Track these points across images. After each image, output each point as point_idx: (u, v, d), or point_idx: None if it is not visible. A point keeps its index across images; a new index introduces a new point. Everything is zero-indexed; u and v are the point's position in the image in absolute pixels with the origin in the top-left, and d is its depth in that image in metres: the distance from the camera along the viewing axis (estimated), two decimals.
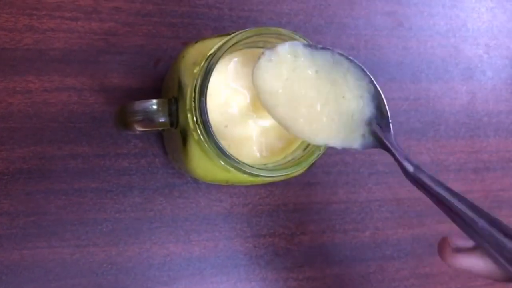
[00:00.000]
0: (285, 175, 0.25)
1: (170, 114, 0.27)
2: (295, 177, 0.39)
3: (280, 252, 0.39)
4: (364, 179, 0.41)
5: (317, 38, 0.40)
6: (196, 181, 0.37)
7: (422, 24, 0.43)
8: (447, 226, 0.43)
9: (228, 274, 0.38)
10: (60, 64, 0.35)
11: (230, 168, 0.24)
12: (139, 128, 0.27)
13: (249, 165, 0.24)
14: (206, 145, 0.24)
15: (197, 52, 0.27)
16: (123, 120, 0.27)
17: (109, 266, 0.36)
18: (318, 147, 0.26)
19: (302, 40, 0.25)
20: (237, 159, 0.24)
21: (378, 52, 0.41)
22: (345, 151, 0.41)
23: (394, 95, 0.42)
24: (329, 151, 0.40)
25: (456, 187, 0.43)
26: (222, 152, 0.24)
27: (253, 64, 0.25)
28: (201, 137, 0.24)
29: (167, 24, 0.37)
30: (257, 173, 0.24)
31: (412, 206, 0.42)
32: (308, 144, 0.27)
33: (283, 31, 0.25)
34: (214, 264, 0.38)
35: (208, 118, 0.24)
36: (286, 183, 0.39)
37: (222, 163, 0.24)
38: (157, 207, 0.37)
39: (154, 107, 0.27)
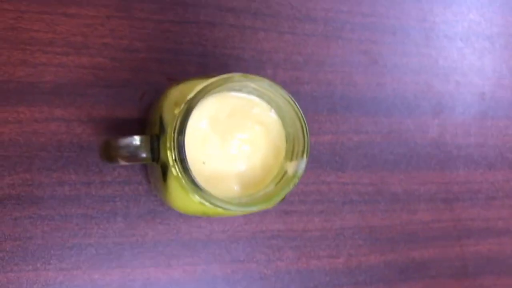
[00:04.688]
0: (256, 210, 0.27)
1: (152, 150, 0.29)
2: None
3: (257, 277, 0.41)
4: (338, 208, 0.43)
5: (296, 75, 0.42)
6: None
7: (396, 62, 0.45)
8: (418, 253, 0.45)
9: None
10: (50, 96, 0.37)
11: (206, 203, 0.26)
12: (122, 162, 0.29)
13: (222, 200, 0.26)
14: (183, 181, 0.26)
15: (178, 92, 0.29)
16: (108, 154, 0.29)
17: None
18: (287, 183, 0.28)
19: (269, 82, 0.28)
20: (212, 194, 0.26)
21: (354, 88, 0.44)
22: (320, 181, 0.43)
23: (368, 129, 0.44)
24: (305, 181, 0.43)
25: (427, 216, 0.46)
26: (197, 188, 0.26)
27: (229, 106, 0.27)
28: (179, 174, 0.26)
29: (153, 59, 0.39)
30: (230, 208, 0.26)
31: (384, 234, 0.44)
32: (280, 180, 0.29)
33: (255, 78, 0.27)
34: None
35: (185, 157, 0.26)
36: (264, 212, 0.41)
37: (198, 198, 0.26)
38: (139, 233, 0.39)
39: (137, 143, 0.29)
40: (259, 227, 0.41)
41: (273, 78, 0.42)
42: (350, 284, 0.43)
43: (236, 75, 0.27)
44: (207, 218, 0.40)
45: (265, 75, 0.41)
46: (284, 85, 0.42)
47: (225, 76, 0.27)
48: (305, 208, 0.42)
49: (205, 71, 0.40)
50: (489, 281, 0.47)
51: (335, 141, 0.43)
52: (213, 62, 0.40)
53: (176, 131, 0.26)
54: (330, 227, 0.43)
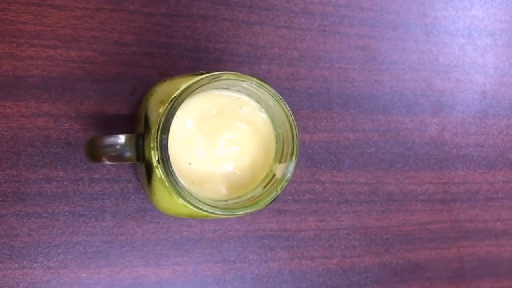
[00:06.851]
0: (242, 214, 0.26)
1: (137, 150, 0.28)
2: None
3: (248, 277, 0.40)
4: (333, 208, 0.42)
5: (291, 71, 0.41)
6: None
7: (395, 58, 0.44)
8: (414, 255, 0.45)
9: None
10: (37, 90, 0.36)
11: (190, 206, 0.25)
12: (107, 162, 0.28)
13: (207, 204, 0.25)
14: (166, 183, 0.25)
15: (164, 91, 0.28)
16: (93, 153, 0.28)
17: None
18: (275, 187, 0.27)
19: (257, 81, 0.27)
20: (196, 198, 0.25)
21: (351, 84, 0.43)
22: (315, 180, 0.42)
23: (365, 127, 0.43)
24: (299, 180, 0.42)
25: (424, 217, 0.45)
26: (181, 190, 0.25)
27: (216, 105, 0.26)
28: (162, 176, 0.25)
29: (144, 53, 0.38)
30: (215, 212, 0.25)
31: (379, 235, 0.43)
32: (268, 183, 0.28)
33: (243, 76, 0.26)
34: None
35: (169, 158, 0.25)
36: (256, 211, 0.40)
37: (182, 200, 0.25)
38: (129, 231, 0.38)
39: (122, 142, 0.28)
40: (251, 227, 0.40)
41: (268, 74, 0.41)
42: (343, 286, 0.43)
43: (223, 74, 0.25)
44: None
45: (259, 71, 0.40)
46: (279, 81, 0.41)
47: (211, 74, 0.25)
48: (299, 207, 0.41)
49: (197, 66, 0.39)
50: (486, 284, 0.47)
51: (331, 139, 0.42)
52: (206, 57, 0.39)
53: (159, 131, 0.25)
54: (324, 227, 0.42)
